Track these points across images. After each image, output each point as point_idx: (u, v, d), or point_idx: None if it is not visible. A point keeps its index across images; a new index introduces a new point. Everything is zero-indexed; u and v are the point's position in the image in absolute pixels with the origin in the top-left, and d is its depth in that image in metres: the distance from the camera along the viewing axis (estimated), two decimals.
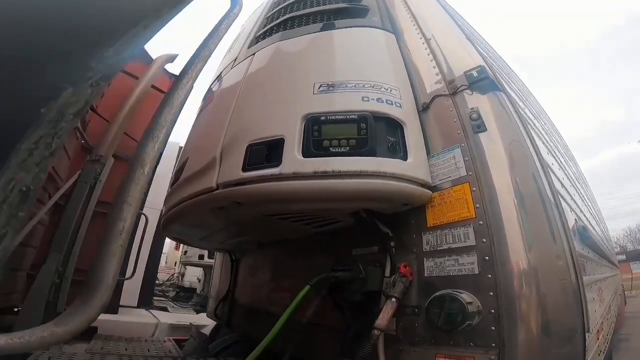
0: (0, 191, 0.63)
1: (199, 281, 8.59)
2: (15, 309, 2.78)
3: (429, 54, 1.53)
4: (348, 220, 1.36)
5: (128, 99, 3.12)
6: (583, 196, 3.12)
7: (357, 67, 1.41)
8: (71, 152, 3.12)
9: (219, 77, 2.04)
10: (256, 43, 1.87)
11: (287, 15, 1.87)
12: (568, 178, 2.33)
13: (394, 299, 1.11)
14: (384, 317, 1.08)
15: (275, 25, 1.87)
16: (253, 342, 2.24)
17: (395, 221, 1.26)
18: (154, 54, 3.71)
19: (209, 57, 1.44)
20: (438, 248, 1.11)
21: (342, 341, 1.38)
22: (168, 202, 1.83)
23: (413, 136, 1.25)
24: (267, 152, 1.21)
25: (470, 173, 1.12)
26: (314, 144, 1.15)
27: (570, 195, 1.98)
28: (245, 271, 2.59)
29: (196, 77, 1.36)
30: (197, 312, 5.69)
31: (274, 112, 1.32)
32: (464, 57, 1.43)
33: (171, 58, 3.52)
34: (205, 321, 3.97)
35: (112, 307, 3.45)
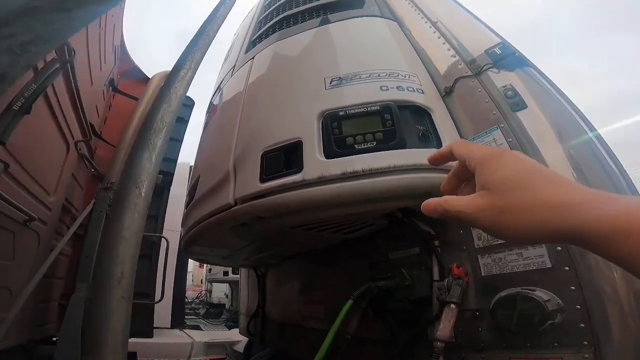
0: None
1: (227, 296, 8.58)
2: (54, 339, 2.80)
3: (439, 37, 1.43)
4: (381, 222, 1.23)
5: (131, 122, 3.08)
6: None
7: (367, 57, 1.31)
8: (83, 182, 3.09)
9: (218, 89, 1.94)
10: (253, 47, 1.77)
11: (282, 15, 1.77)
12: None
13: (452, 305, 0.98)
14: (446, 327, 0.95)
15: (270, 27, 1.78)
16: (289, 358, 2.17)
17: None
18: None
19: (208, 46, 1.30)
20: (494, 242, 0.97)
21: (390, 353, 1.26)
22: (185, 223, 1.75)
23: (443, 122, 1.12)
24: (285, 158, 1.09)
25: None
26: (336, 143, 1.02)
27: None
28: (272, 285, 2.49)
29: (196, 68, 1.20)
30: (229, 328, 5.65)
31: (286, 114, 1.20)
32: (478, 35, 1.33)
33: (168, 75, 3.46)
34: (238, 337, 3.93)
35: (147, 331, 3.45)
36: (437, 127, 1.08)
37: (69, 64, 1.74)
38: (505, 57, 1.18)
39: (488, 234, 0.45)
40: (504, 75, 1.16)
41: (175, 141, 3.87)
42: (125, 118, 3.26)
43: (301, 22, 1.63)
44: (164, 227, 3.87)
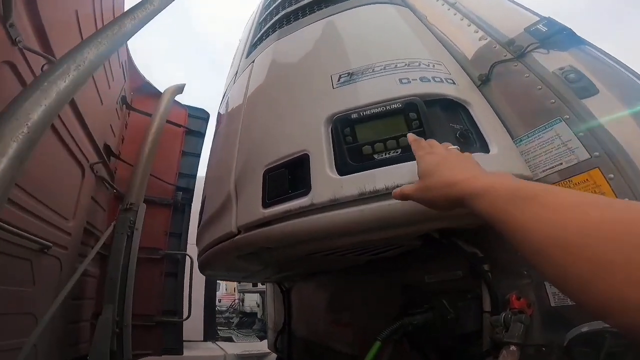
0: None
1: (259, 306, 8.59)
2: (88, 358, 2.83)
3: (462, 19, 1.23)
4: (412, 243, 1.02)
5: (146, 139, 3.02)
6: None
7: (379, 48, 1.12)
8: (105, 204, 3.08)
9: (224, 97, 1.80)
10: (254, 50, 1.62)
11: (282, 13, 1.61)
12: None
13: (513, 347, 0.77)
14: None
15: (270, 27, 1.62)
16: None
17: (484, 235, 0.90)
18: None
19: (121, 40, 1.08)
20: None
21: None
22: (198, 245, 1.63)
23: (485, 118, 0.90)
24: (290, 176, 0.91)
25: (597, 154, 0.73)
26: (350, 154, 0.82)
27: None
28: (298, 302, 2.33)
29: (92, 66, 0.95)
30: (261, 338, 5.58)
31: (288, 122, 1.01)
32: (508, 13, 1.14)
33: (179, 89, 3.39)
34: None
35: (177, 349, 3.41)
36: (478, 123, 0.85)
37: None
38: (554, 35, 0.97)
39: (424, 205, 0.61)
40: (555, 55, 0.94)
41: (193, 156, 3.80)
42: (141, 135, 3.22)
43: (302, 18, 1.45)
44: (191, 241, 3.82)
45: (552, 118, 0.82)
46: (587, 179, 0.72)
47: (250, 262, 1.23)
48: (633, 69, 0.90)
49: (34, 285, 1.85)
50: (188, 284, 3.44)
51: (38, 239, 1.79)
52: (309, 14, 1.45)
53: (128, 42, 3.24)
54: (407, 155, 0.77)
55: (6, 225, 1.45)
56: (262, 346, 4.70)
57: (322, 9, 1.42)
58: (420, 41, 1.18)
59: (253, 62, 1.46)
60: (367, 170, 0.79)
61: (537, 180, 0.81)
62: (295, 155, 0.91)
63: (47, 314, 1.85)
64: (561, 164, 0.77)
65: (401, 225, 0.76)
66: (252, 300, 9.04)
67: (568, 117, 0.80)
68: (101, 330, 2.61)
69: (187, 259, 3.42)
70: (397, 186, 0.74)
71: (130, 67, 3.29)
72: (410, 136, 0.74)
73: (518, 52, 1.00)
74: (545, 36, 0.98)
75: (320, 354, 1.92)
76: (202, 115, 3.94)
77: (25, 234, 1.65)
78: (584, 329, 0.72)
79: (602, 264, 0.30)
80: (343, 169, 0.81)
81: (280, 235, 0.87)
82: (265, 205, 0.90)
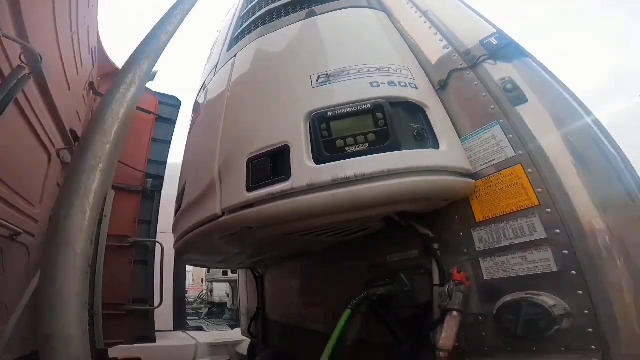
0: None
1: (228, 295, 8.60)
2: None
3: (430, 28, 1.36)
4: (378, 225, 1.17)
5: None
6: None
7: (355, 52, 1.24)
8: None
9: (203, 87, 1.85)
10: (235, 44, 1.68)
11: (264, 9, 1.67)
12: None
13: (455, 313, 0.93)
14: (448, 336, 0.91)
15: (252, 22, 1.69)
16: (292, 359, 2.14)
17: (435, 219, 1.07)
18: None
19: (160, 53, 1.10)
20: (496, 245, 0.92)
21: (395, 358, 1.22)
22: (175, 231, 1.69)
23: (439, 119, 1.06)
24: (272, 164, 1.03)
25: (521, 152, 0.92)
26: (326, 146, 0.96)
27: None
28: (272, 287, 2.44)
29: (142, 82, 0.97)
30: (232, 327, 5.63)
31: (271, 116, 1.13)
32: (472, 25, 1.27)
33: (151, 75, 3.33)
34: (241, 336, 3.92)
35: (150, 337, 3.41)
36: (432, 124, 1.01)
37: (39, 70, 1.62)
38: (502, 48, 1.13)
39: None
40: (501, 67, 1.10)
41: (163, 143, 3.77)
42: None
43: (285, 16, 1.54)
44: (160, 230, 3.79)
45: (491, 121, 1.00)
46: (512, 173, 0.91)
47: (231, 243, 1.33)
48: (556, 76, 1.08)
49: (3, 272, 1.82)
50: (158, 272, 3.44)
51: (9, 225, 1.76)
52: (293, 13, 1.53)
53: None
54: (372, 148, 0.92)
55: None
56: (234, 335, 4.74)
57: (306, 8, 1.50)
58: (392, 47, 1.31)
59: (235, 56, 1.54)
60: (339, 160, 0.93)
61: (475, 173, 0.99)
62: (277, 146, 1.03)
63: (20, 304, 1.83)
64: (494, 159, 0.96)
65: (367, 207, 0.92)
66: (221, 290, 9.02)
67: (502, 121, 0.98)
68: None
69: (157, 246, 3.42)
70: (364, 174, 0.88)
71: (99, 53, 3.19)
72: None
73: (471, 62, 1.15)
74: (495, 49, 1.13)
75: (295, 336, 2.04)
76: (173, 103, 3.90)
77: None
78: (507, 298, 0.87)
79: None
80: (319, 159, 0.95)
81: (263, 216, 0.99)
82: (249, 189, 1.02)
